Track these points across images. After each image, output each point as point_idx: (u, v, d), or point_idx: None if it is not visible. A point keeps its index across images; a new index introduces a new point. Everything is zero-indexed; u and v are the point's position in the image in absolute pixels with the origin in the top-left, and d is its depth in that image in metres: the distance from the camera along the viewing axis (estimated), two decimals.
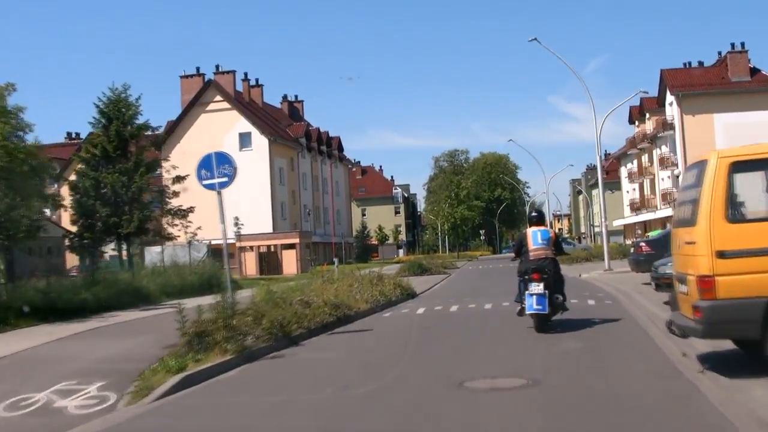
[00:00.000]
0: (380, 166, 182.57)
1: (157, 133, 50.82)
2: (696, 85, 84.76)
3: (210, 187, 17.88)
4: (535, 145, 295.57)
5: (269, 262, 71.29)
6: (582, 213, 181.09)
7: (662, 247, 25.47)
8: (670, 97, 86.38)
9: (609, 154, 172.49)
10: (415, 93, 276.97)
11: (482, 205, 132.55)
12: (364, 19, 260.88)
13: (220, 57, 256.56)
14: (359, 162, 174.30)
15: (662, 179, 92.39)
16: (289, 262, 70.30)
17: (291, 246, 72.10)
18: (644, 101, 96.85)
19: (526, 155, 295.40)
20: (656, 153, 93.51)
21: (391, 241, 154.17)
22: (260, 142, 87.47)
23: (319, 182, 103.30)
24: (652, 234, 69.93)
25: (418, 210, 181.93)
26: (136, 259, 46.35)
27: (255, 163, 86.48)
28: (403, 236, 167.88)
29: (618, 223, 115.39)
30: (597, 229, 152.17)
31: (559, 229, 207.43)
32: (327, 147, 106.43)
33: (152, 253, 49.44)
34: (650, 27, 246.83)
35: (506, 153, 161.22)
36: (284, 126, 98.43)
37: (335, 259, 65.36)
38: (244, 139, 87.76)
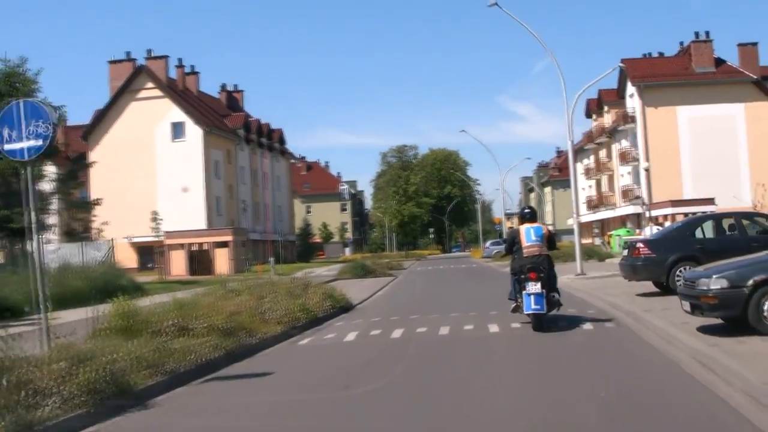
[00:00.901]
0: (326, 162, 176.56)
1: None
2: (658, 75, 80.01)
3: (14, 154, 11.27)
4: (489, 144, 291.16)
5: (200, 261, 65.21)
6: None
7: (668, 249, 20.22)
8: (630, 89, 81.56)
9: (561, 151, 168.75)
10: (364, 92, 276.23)
11: (431, 201, 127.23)
12: (312, 13, 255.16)
13: (154, 42, 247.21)
14: (304, 157, 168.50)
15: (622, 175, 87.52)
16: (222, 262, 64.31)
17: (224, 244, 66.08)
18: (603, 93, 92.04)
19: (476, 152, 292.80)
20: (615, 147, 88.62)
21: (336, 239, 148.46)
22: (195, 132, 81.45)
23: (259, 176, 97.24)
24: (619, 233, 65.00)
25: (366, 207, 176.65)
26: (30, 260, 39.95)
27: (189, 155, 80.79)
28: (349, 234, 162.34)
29: (572, 221, 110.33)
30: (550, 227, 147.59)
31: (510, 228, 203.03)
32: (268, 140, 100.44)
33: (48, 252, 43.09)
34: (594, 26, 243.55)
35: (456, 149, 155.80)
36: (222, 117, 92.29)
37: (271, 259, 59.96)
38: (178, 130, 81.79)
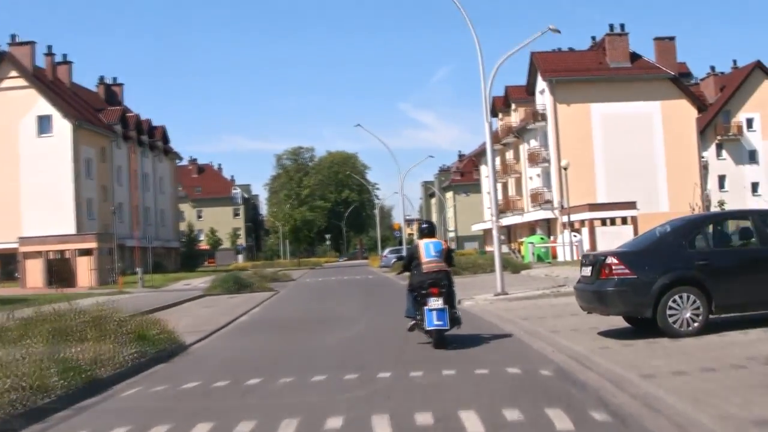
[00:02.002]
0: (219, 165, 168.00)
1: None
2: (571, 70, 74.18)
3: None
4: (387, 152, 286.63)
5: (59, 272, 57.18)
6: (435, 217, 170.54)
7: (654, 266, 13.37)
8: (541, 84, 75.52)
9: (463, 155, 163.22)
10: (266, 98, 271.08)
11: (327, 206, 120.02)
12: (212, 13, 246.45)
13: (22, 28, 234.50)
14: (196, 159, 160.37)
15: (531, 178, 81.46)
16: (85, 272, 56.43)
17: (89, 252, 58.07)
18: (510, 90, 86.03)
19: (377, 157, 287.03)
20: (524, 148, 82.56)
21: (227, 245, 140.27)
22: (63, 127, 73.03)
23: (139, 177, 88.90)
24: (532, 240, 58.71)
25: (261, 213, 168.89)
26: None
27: (56, 152, 72.54)
28: (242, 240, 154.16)
29: (477, 227, 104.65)
30: (451, 234, 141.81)
31: (410, 234, 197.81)
32: (149, 138, 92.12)
33: None
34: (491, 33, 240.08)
35: (355, 152, 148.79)
36: (97, 111, 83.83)
37: (138, 269, 52.49)
38: (44, 124, 73.37)
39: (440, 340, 14.81)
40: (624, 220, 58.81)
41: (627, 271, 13.22)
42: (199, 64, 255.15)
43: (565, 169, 52.13)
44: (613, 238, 56.64)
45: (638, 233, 58.15)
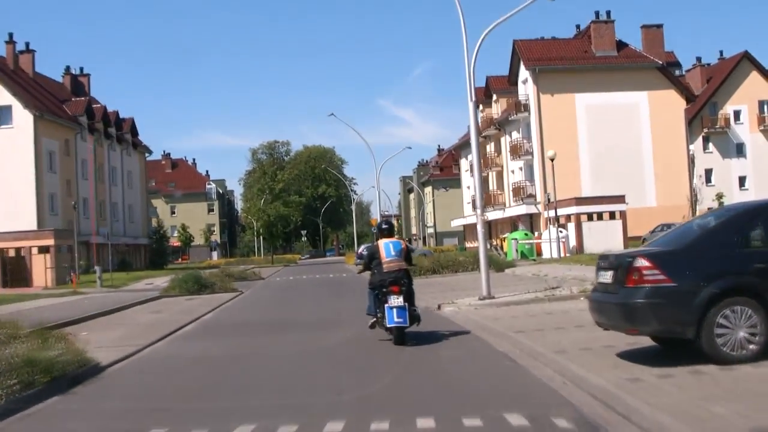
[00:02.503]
0: (193, 159, 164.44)
1: None
2: (555, 59, 71.17)
3: None
4: (365, 148, 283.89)
5: (14, 270, 53.84)
6: (413, 213, 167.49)
7: (699, 270, 9.97)
8: (524, 73, 72.47)
9: (442, 149, 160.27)
10: (243, 95, 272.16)
11: (301, 200, 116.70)
12: (187, 6, 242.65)
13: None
14: (169, 154, 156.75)
15: (513, 171, 78.37)
16: (41, 271, 52.99)
17: (46, 249, 54.62)
18: (491, 81, 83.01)
19: (355, 152, 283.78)
20: (506, 140, 79.48)
21: (201, 242, 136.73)
22: (23, 118, 69.43)
23: (106, 171, 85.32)
24: (515, 236, 55.55)
25: (237, 208, 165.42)
26: None
27: (16, 144, 68.97)
28: (217, 237, 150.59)
29: (457, 223, 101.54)
30: (430, 230, 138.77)
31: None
32: (117, 130, 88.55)
33: None
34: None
35: (332, 146, 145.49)
36: (62, 102, 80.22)
37: (97, 268, 49.21)
38: (3, 114, 69.70)
39: (400, 337, 15.11)
40: (612, 215, 55.84)
41: (663, 277, 9.84)
42: (174, 58, 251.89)
43: (552, 159, 49.07)
44: (600, 234, 53.97)
45: (627, 229, 55.54)
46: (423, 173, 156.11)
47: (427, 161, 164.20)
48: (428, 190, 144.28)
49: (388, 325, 15.15)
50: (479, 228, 22.56)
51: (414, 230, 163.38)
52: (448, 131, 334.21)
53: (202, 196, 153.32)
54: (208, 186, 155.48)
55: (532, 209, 70.87)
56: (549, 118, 69.16)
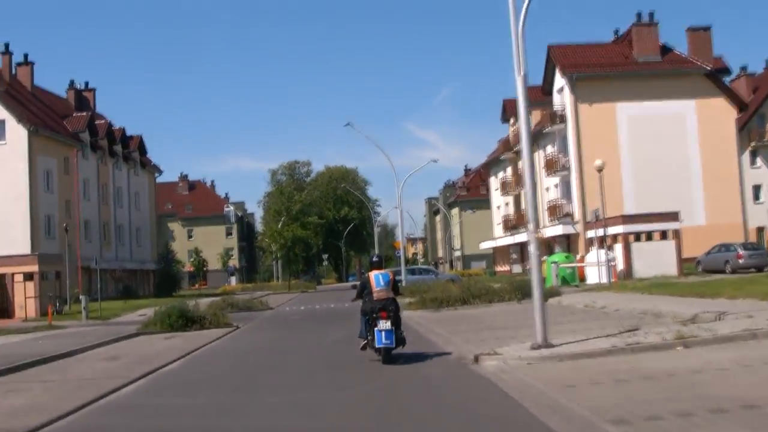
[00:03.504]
0: (212, 182, 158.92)
1: None
2: (593, 66, 65.35)
3: None
4: (390, 171, 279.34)
5: None
6: (439, 235, 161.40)
7: None
8: (560, 82, 66.63)
9: (469, 170, 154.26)
10: (264, 118, 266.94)
11: (320, 222, 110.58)
12: (215, 20, 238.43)
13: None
14: (186, 175, 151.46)
15: (547, 189, 72.34)
16: (28, 301, 47.11)
17: (30, 276, 48.75)
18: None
19: (377, 173, 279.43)
20: (539, 156, 73.39)
21: (218, 267, 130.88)
22: (17, 133, 64.15)
23: (110, 191, 79.81)
24: (556, 259, 49.27)
25: (257, 232, 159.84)
26: None
27: (9, 161, 63.73)
28: (235, 261, 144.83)
29: (486, 245, 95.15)
30: (457, 253, 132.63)
31: (414, 254, 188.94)
32: (123, 148, 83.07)
33: None
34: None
35: (355, 167, 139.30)
36: (63, 118, 74.81)
37: (82, 297, 43.41)
38: None
39: (388, 358, 16.66)
40: (663, 235, 49.67)
41: None
42: (193, 77, 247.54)
43: (600, 170, 42.91)
44: (651, 257, 47.80)
45: (682, 250, 49.30)
46: (449, 194, 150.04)
47: (453, 182, 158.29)
48: (455, 211, 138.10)
49: (377, 346, 16.79)
50: (532, 248, 16.39)
51: (440, 253, 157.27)
52: (473, 154, 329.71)
53: (220, 219, 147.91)
54: (226, 209, 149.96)
55: (569, 229, 64.88)
56: (588, 129, 63.31)
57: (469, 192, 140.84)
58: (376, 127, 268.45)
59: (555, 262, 45.09)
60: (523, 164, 17.12)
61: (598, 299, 29.74)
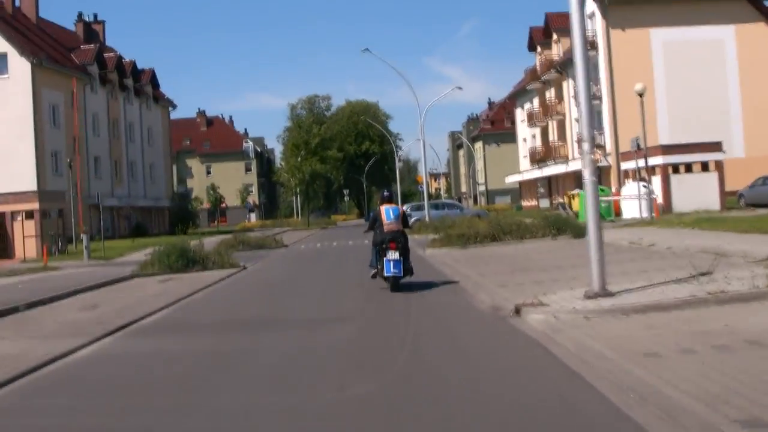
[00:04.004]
0: (230, 117, 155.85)
1: None
2: None
3: None
4: (411, 107, 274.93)
5: None
6: (463, 170, 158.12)
7: None
8: (590, 6, 62.62)
9: (493, 103, 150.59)
10: (286, 53, 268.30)
11: (339, 156, 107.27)
12: None
13: None
14: (204, 111, 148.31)
15: (577, 119, 68.77)
16: (28, 240, 44.38)
17: (30, 214, 45.92)
18: (551, 18, 73.44)
19: (399, 109, 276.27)
20: (568, 85, 69.94)
21: (237, 203, 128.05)
22: (20, 66, 61.30)
23: (121, 127, 76.88)
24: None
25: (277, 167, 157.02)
26: None
27: (12, 95, 61.18)
28: (255, 198, 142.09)
29: (512, 179, 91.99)
30: (481, 188, 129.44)
31: (437, 189, 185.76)
32: (134, 81, 79.97)
33: None
34: None
35: (376, 101, 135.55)
36: (70, 51, 71.74)
37: (83, 236, 40.73)
38: None
39: (396, 286, 17.50)
40: (704, 167, 46.30)
41: None
42: (210, 12, 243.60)
43: (641, 95, 39.57)
44: (691, 190, 44.54)
45: (724, 183, 46.00)
46: (473, 128, 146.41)
47: (477, 115, 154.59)
48: (479, 145, 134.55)
49: (385, 275, 17.57)
50: (587, 174, 13.27)
51: (464, 188, 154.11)
52: (497, 89, 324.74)
53: (239, 155, 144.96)
54: (245, 144, 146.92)
55: (601, 161, 61.57)
56: (620, 56, 59.65)
57: (493, 125, 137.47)
58: (398, 63, 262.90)
59: None
60: (576, 72, 13.97)
61: (643, 235, 26.70)
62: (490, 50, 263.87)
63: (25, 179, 58.01)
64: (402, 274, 17.57)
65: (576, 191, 49.72)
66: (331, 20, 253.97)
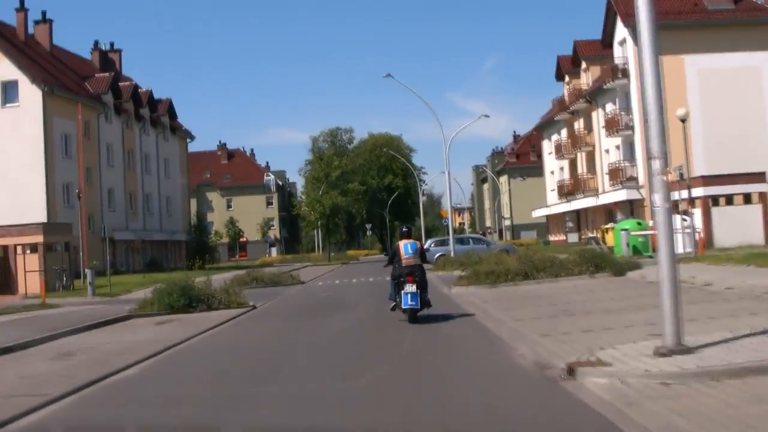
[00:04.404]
0: (251, 150, 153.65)
1: None
2: (659, 14, 56.87)
3: None
4: (435, 142, 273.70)
5: None
6: (487, 204, 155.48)
7: None
8: (621, 32, 60.51)
9: (518, 136, 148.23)
10: (307, 88, 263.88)
11: (360, 189, 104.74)
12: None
13: None
14: (225, 144, 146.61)
15: (607, 150, 66.18)
16: (31, 275, 42.07)
17: (34, 248, 43.59)
18: (580, 46, 70.87)
19: (423, 144, 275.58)
20: (598, 115, 67.35)
21: (257, 237, 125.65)
22: (31, 94, 59.41)
23: (137, 158, 74.78)
24: (626, 226, 43.26)
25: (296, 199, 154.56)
26: None
27: (22, 123, 59.11)
28: (276, 232, 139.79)
29: (539, 213, 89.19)
30: (507, 222, 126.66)
31: (460, 223, 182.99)
32: (151, 111, 77.95)
33: None
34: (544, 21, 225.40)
35: (399, 134, 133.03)
36: (84, 79, 69.75)
37: (88, 272, 38.52)
38: (9, 91, 60.41)
39: (413, 318, 17.96)
40: (747, 198, 43.57)
41: None
42: (232, 48, 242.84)
43: (683, 120, 36.97)
44: (734, 223, 41.91)
45: None
46: (498, 161, 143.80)
47: (501, 149, 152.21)
48: (504, 179, 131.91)
49: (403, 307, 18.15)
50: (658, 199, 10.68)
51: (488, 222, 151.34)
52: (519, 123, 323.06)
53: (260, 189, 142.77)
54: (266, 177, 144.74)
55: (633, 194, 58.86)
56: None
57: (518, 159, 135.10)
58: (420, 101, 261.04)
59: (625, 229, 39.18)
60: (644, 72, 11.23)
61: (693, 273, 23.99)
62: (513, 84, 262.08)
63: (35, 211, 56.01)
64: (419, 307, 18.10)
65: (610, 225, 47.14)
66: (354, 56, 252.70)
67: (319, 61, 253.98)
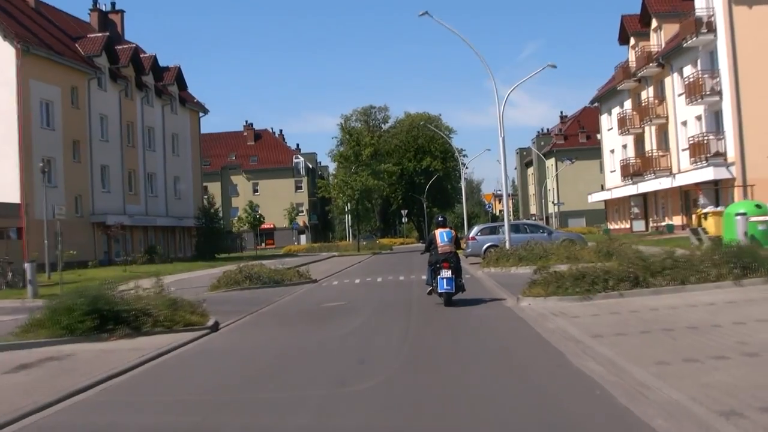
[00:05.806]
0: (280, 131, 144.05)
1: None
2: None
3: None
4: (472, 130, 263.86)
5: None
6: (531, 190, 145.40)
7: None
8: None
9: (566, 116, 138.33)
10: (344, 74, 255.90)
11: (394, 170, 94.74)
12: None
13: None
14: (251, 124, 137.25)
15: (684, 123, 55.79)
16: None
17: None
18: (650, 2, 60.39)
19: (461, 128, 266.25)
20: (672, 81, 57.03)
21: (285, 224, 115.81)
22: (3, 53, 50.00)
23: (138, 131, 65.17)
24: (739, 208, 32.65)
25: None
26: None
27: None
28: (305, 218, 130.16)
29: (596, 197, 78.96)
30: (555, 209, 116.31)
31: (500, 211, 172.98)
32: (156, 80, 68.39)
33: None
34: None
35: (438, 114, 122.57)
36: (75, 40, 60.25)
37: (27, 265, 29.32)
38: None
39: (449, 301, 18.92)
40: None
41: None
42: (261, 37, 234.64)
43: None
44: None
45: None
46: (544, 143, 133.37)
47: (548, 130, 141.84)
48: (550, 162, 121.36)
49: (439, 291, 18.99)
50: None
51: (532, 209, 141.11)
52: (558, 111, 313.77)
53: (289, 172, 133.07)
54: (296, 160, 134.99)
55: (721, 173, 48.64)
56: (746, 41, 47.08)
57: (566, 141, 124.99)
58: (459, 85, 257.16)
59: (741, 214, 28.97)
60: None
61: None
62: (553, 72, 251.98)
63: (7, 190, 46.87)
64: (454, 290, 18.96)
65: (710, 208, 37.08)
66: (390, 40, 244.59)
67: (354, 46, 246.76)
